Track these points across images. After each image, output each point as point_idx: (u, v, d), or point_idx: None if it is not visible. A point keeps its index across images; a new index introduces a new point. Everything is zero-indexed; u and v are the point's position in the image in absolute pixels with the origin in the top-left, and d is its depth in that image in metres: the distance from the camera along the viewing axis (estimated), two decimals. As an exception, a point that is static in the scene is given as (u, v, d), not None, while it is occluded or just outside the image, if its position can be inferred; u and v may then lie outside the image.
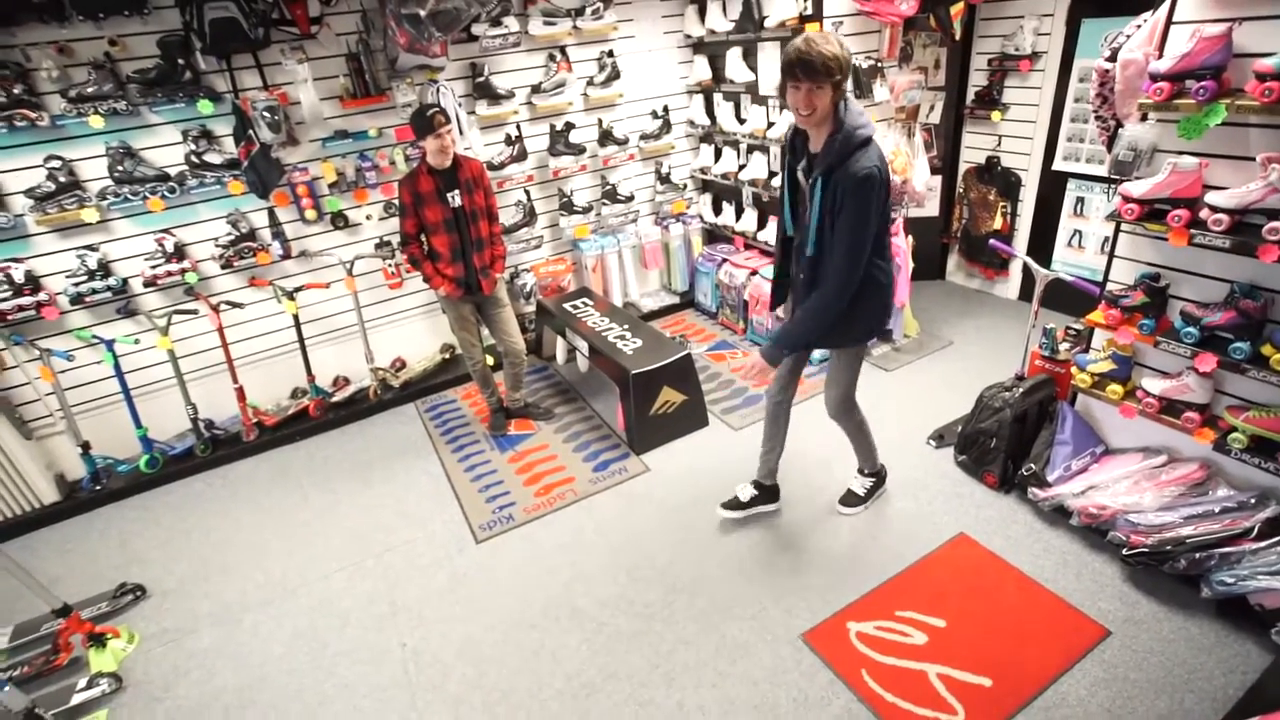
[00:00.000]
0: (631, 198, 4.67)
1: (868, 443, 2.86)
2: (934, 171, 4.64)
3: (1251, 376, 2.17)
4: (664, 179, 4.79)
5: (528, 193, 4.34)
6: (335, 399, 4.04)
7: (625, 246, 4.76)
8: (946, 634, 2.34)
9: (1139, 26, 2.40)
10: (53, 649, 2.58)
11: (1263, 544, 2.15)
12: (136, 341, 3.52)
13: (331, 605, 2.75)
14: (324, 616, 2.70)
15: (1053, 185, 4.23)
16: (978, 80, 4.47)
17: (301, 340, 3.86)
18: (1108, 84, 2.52)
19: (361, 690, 2.38)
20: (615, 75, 4.35)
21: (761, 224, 4.48)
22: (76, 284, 3.33)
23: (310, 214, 3.79)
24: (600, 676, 2.32)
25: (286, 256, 3.80)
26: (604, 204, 4.60)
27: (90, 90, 3.11)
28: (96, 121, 3.14)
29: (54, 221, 3.22)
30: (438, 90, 3.78)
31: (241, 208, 3.65)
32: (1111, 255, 2.62)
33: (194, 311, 3.59)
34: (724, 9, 4.19)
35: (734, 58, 4.19)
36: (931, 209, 4.80)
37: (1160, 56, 2.25)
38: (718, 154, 4.69)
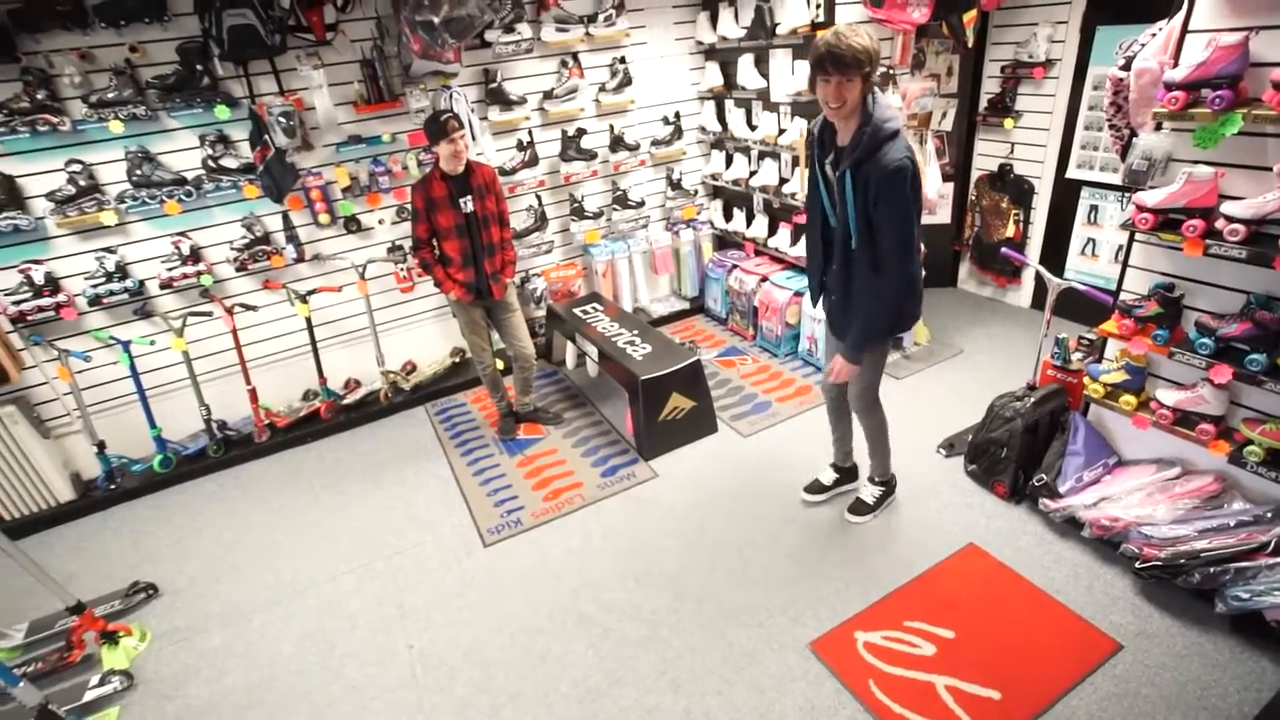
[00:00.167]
0: (642, 203, 4.69)
1: (884, 444, 2.85)
2: (946, 179, 4.62)
3: (1268, 389, 2.13)
4: (675, 185, 4.80)
5: (539, 198, 4.36)
6: (346, 401, 4.07)
7: (636, 252, 4.77)
8: (955, 645, 2.32)
9: (1154, 35, 2.38)
10: (66, 646, 2.61)
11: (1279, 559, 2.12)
12: (152, 343, 3.57)
13: (340, 607, 2.77)
14: (332, 618, 2.72)
15: (1066, 193, 4.20)
16: (990, 87, 4.45)
17: (314, 343, 3.90)
18: (1122, 92, 2.50)
19: (369, 692, 2.39)
20: (627, 81, 4.37)
21: (772, 230, 4.48)
22: (95, 285, 3.38)
23: (324, 218, 3.83)
24: (606, 682, 2.32)
25: (300, 260, 3.84)
26: (615, 209, 4.62)
27: (111, 96, 3.16)
28: (116, 126, 3.20)
29: (74, 224, 3.28)
30: (451, 96, 3.82)
31: (256, 211, 3.70)
32: (1125, 265, 2.60)
33: (209, 313, 3.63)
34: (736, 16, 4.21)
35: (746, 64, 4.20)
36: (943, 216, 4.78)
37: (1175, 65, 2.22)
38: (729, 160, 4.69)
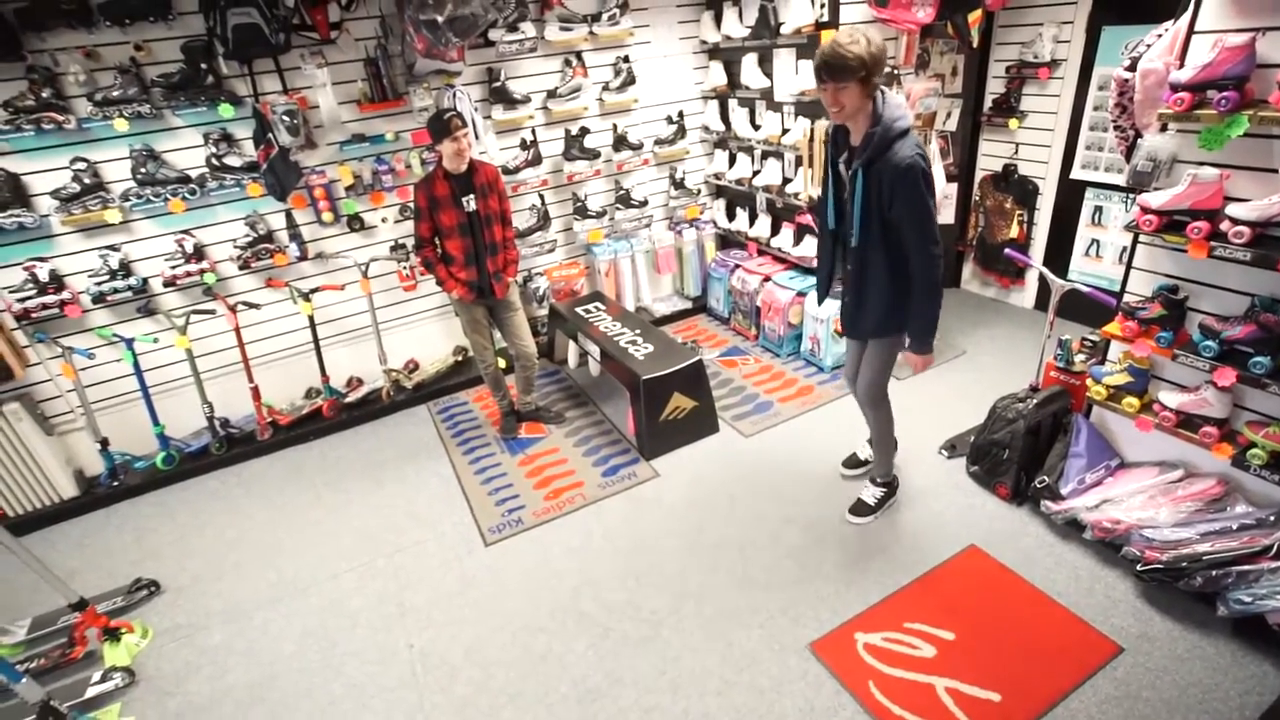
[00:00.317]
0: (645, 202, 4.68)
1: (889, 442, 2.86)
2: (950, 179, 4.60)
3: (1272, 392, 2.12)
4: (678, 184, 4.80)
5: (542, 197, 4.37)
6: (349, 399, 4.08)
7: (638, 251, 4.77)
8: (956, 647, 2.31)
9: (1160, 35, 2.36)
10: (68, 642, 2.62)
11: (1282, 563, 2.11)
12: (155, 340, 3.58)
13: (341, 605, 2.78)
14: (334, 616, 2.73)
15: (1070, 194, 4.18)
16: (995, 88, 4.43)
17: (316, 341, 3.91)
18: (1127, 93, 2.49)
19: (370, 690, 2.39)
20: (630, 81, 4.36)
21: (775, 230, 4.47)
22: (99, 283, 3.39)
23: (327, 216, 3.83)
24: (606, 682, 2.32)
25: (303, 258, 3.85)
26: (618, 208, 4.61)
27: (116, 94, 3.17)
28: (121, 124, 3.21)
29: (78, 222, 3.29)
30: (454, 95, 3.82)
31: (260, 210, 3.71)
32: (1129, 266, 2.59)
33: (212, 311, 3.65)
34: (740, 15, 4.20)
35: (749, 64, 4.20)
36: (947, 216, 4.75)
37: (1181, 66, 2.21)
38: (732, 160, 4.69)
